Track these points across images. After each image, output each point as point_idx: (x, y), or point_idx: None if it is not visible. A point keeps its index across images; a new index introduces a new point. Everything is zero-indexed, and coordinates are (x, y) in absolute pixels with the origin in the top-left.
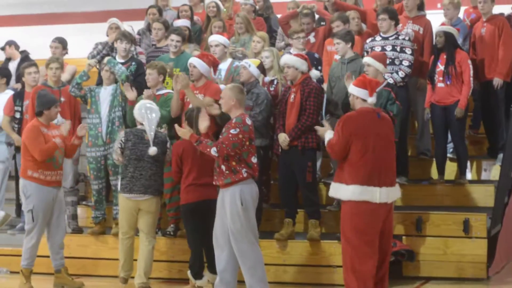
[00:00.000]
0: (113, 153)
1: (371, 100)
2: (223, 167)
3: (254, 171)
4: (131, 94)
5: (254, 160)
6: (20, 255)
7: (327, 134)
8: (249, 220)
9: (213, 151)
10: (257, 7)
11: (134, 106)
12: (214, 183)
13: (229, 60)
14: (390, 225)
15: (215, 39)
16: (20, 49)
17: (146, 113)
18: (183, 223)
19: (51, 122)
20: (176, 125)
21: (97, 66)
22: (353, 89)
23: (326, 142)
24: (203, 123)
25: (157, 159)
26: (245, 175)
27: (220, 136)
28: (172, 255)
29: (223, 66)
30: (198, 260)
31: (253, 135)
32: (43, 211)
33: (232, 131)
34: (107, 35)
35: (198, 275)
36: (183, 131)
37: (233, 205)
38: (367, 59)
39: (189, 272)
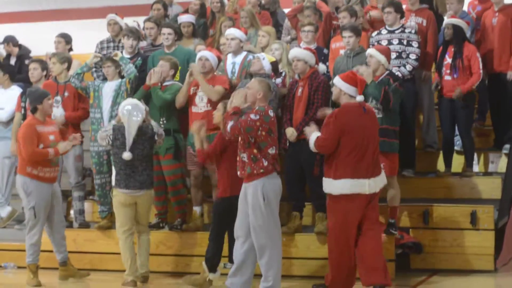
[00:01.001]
0: (97, 137)
1: (360, 98)
2: (244, 156)
3: (274, 161)
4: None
5: (271, 151)
6: None
7: (313, 134)
8: (272, 215)
9: (229, 126)
10: (262, 1)
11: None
12: (239, 174)
13: (244, 53)
14: (374, 210)
15: (232, 32)
16: (22, 45)
17: (128, 116)
18: (218, 216)
19: (47, 117)
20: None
21: (100, 63)
22: (341, 84)
23: (312, 140)
24: (217, 113)
25: (146, 155)
26: (265, 164)
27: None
28: (179, 249)
29: (238, 59)
30: (219, 253)
31: (274, 128)
32: (44, 208)
33: (252, 115)
34: (108, 31)
35: (213, 268)
36: (238, 97)
37: (256, 200)
38: (370, 50)
39: (204, 263)
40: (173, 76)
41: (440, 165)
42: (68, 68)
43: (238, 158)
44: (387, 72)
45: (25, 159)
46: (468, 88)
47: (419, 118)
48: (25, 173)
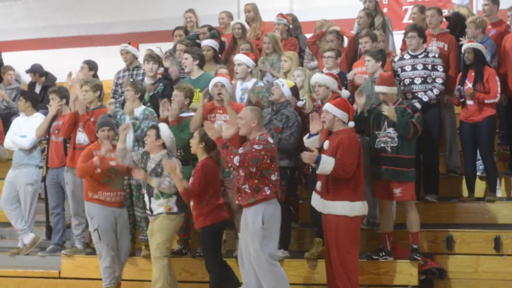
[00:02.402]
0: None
1: (351, 124)
2: (246, 187)
3: (276, 188)
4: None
5: (273, 177)
6: (52, 277)
7: (327, 159)
8: (269, 239)
9: (236, 159)
10: (290, 26)
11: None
12: (237, 202)
13: (253, 80)
14: None
15: (239, 58)
16: (49, 74)
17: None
18: (206, 244)
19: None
20: (206, 122)
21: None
22: (335, 111)
23: (331, 167)
24: (228, 131)
25: None
26: (268, 192)
27: (242, 149)
28: (202, 276)
29: (247, 86)
30: (222, 280)
31: (275, 154)
32: (107, 230)
33: (255, 146)
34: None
35: None
36: (214, 131)
37: (255, 223)
38: (381, 88)
39: None
40: (189, 104)
41: (463, 190)
42: (100, 96)
43: (237, 188)
44: (399, 100)
45: (95, 181)
46: (480, 98)
47: (442, 143)
48: (88, 198)
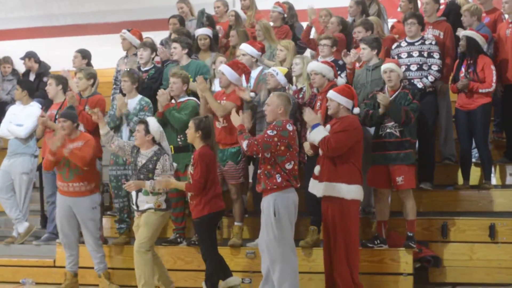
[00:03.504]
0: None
1: (357, 111)
2: (260, 172)
3: (289, 177)
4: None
5: (288, 166)
6: (47, 266)
7: (320, 130)
8: (282, 231)
9: (245, 144)
10: (285, 15)
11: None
12: (256, 189)
13: (259, 68)
14: None
15: (243, 48)
16: (42, 62)
17: (163, 137)
18: (202, 234)
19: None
20: (233, 111)
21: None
22: (339, 98)
23: (319, 138)
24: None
25: None
26: (278, 180)
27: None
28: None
29: (253, 74)
30: (216, 271)
31: (293, 142)
32: (59, 217)
33: (269, 131)
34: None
35: (215, 286)
36: (236, 118)
37: (267, 214)
38: (391, 65)
39: (204, 283)
40: (186, 90)
41: (458, 178)
42: (93, 84)
43: (258, 175)
44: (402, 85)
45: None
46: (474, 87)
47: (437, 131)
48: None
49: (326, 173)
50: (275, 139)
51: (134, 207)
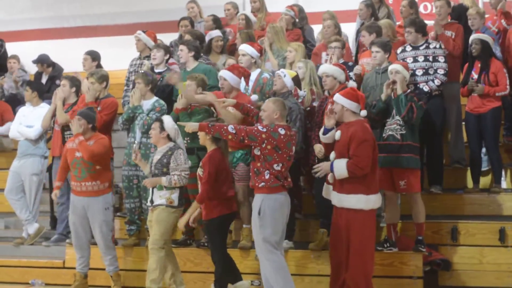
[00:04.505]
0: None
1: (364, 113)
2: (251, 167)
3: (277, 175)
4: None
5: (277, 167)
6: (56, 267)
7: (339, 162)
8: (264, 229)
9: (230, 128)
10: (296, 19)
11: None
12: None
13: (258, 70)
14: None
15: (243, 48)
16: (56, 64)
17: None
18: (212, 236)
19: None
20: (188, 123)
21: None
22: (344, 101)
23: (344, 169)
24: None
25: None
26: (267, 176)
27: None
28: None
29: (252, 76)
30: (225, 273)
31: (283, 145)
32: (71, 217)
33: (259, 127)
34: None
35: None
36: (191, 124)
37: (254, 213)
38: (396, 66)
39: (213, 285)
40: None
41: (468, 182)
42: (106, 86)
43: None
44: (410, 90)
45: None
46: (489, 91)
47: (447, 135)
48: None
49: (344, 183)
50: (263, 136)
51: (149, 203)
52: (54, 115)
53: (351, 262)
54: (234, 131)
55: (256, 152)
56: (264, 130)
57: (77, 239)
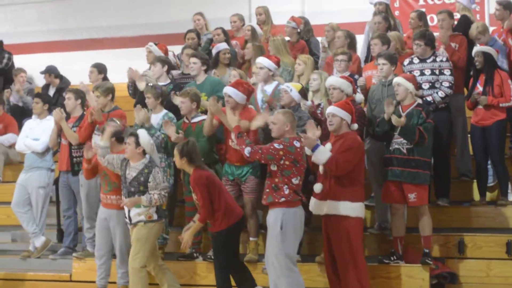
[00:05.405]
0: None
1: (355, 126)
2: (267, 184)
3: (296, 189)
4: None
5: (295, 181)
6: (63, 281)
7: (325, 151)
8: (287, 245)
9: (247, 151)
10: (299, 29)
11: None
12: (262, 202)
13: (275, 82)
14: None
15: (260, 61)
16: (64, 77)
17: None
18: (219, 248)
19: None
20: (228, 109)
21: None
22: (342, 113)
23: (325, 158)
24: (257, 122)
25: None
26: (286, 192)
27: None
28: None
29: (269, 88)
30: (226, 285)
31: (300, 158)
32: (97, 229)
33: (275, 145)
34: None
35: None
36: (232, 117)
37: (274, 227)
38: (397, 79)
39: None
40: (197, 107)
41: (475, 194)
42: (112, 98)
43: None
44: (417, 103)
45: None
46: (494, 101)
47: (453, 147)
48: None
49: (329, 191)
50: (281, 152)
51: (127, 220)
52: (59, 134)
53: (344, 272)
54: (248, 155)
55: (273, 167)
56: (281, 146)
57: (98, 250)
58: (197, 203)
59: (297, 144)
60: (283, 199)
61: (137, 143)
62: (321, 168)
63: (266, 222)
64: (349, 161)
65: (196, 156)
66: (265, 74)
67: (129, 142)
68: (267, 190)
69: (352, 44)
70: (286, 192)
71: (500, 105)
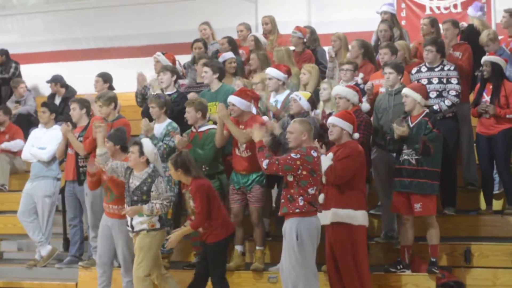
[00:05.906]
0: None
1: (356, 136)
2: (283, 194)
3: (312, 200)
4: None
5: (311, 191)
6: None
7: (325, 161)
8: (304, 255)
9: (265, 163)
10: (305, 39)
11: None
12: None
13: (286, 92)
14: None
15: (269, 72)
16: (70, 87)
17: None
18: (218, 258)
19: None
20: (255, 125)
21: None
22: (343, 124)
23: (325, 168)
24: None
25: None
26: (301, 203)
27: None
28: None
29: (280, 98)
30: None
31: (317, 168)
32: (99, 236)
33: (292, 154)
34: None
35: None
36: (258, 132)
37: (290, 238)
38: (405, 90)
39: None
40: (203, 116)
41: (481, 203)
42: (115, 107)
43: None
44: (425, 112)
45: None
46: (501, 113)
47: (459, 156)
48: None
49: (333, 200)
50: (298, 162)
51: (129, 228)
52: (66, 147)
53: (349, 280)
54: (266, 167)
55: (290, 178)
56: (298, 156)
57: (99, 258)
58: (194, 209)
59: (314, 154)
60: (297, 210)
61: (141, 152)
62: (323, 178)
63: (282, 231)
64: (347, 168)
65: (192, 166)
66: (275, 84)
67: (132, 151)
68: (283, 200)
69: (366, 53)
70: (301, 203)
71: (507, 116)
